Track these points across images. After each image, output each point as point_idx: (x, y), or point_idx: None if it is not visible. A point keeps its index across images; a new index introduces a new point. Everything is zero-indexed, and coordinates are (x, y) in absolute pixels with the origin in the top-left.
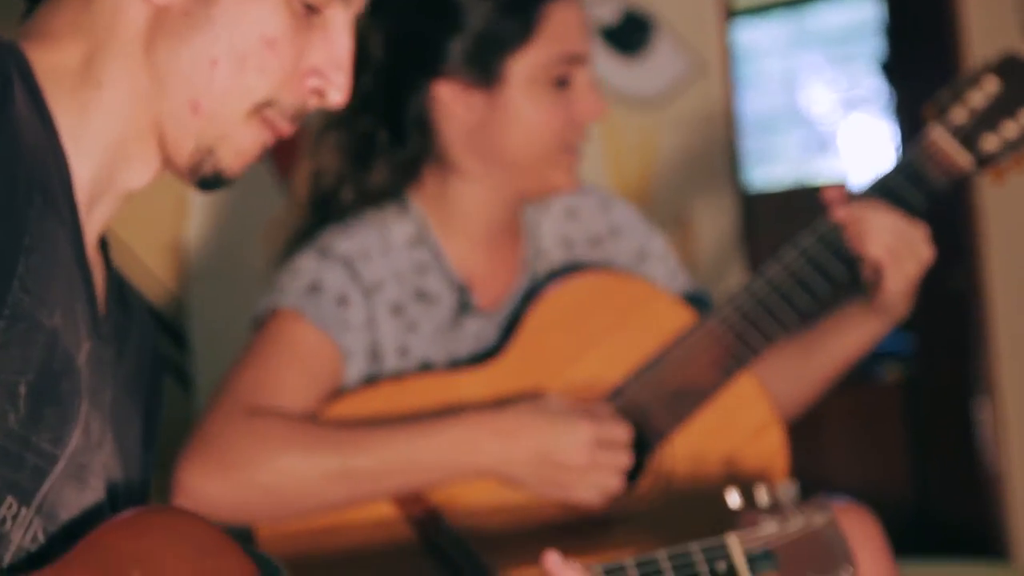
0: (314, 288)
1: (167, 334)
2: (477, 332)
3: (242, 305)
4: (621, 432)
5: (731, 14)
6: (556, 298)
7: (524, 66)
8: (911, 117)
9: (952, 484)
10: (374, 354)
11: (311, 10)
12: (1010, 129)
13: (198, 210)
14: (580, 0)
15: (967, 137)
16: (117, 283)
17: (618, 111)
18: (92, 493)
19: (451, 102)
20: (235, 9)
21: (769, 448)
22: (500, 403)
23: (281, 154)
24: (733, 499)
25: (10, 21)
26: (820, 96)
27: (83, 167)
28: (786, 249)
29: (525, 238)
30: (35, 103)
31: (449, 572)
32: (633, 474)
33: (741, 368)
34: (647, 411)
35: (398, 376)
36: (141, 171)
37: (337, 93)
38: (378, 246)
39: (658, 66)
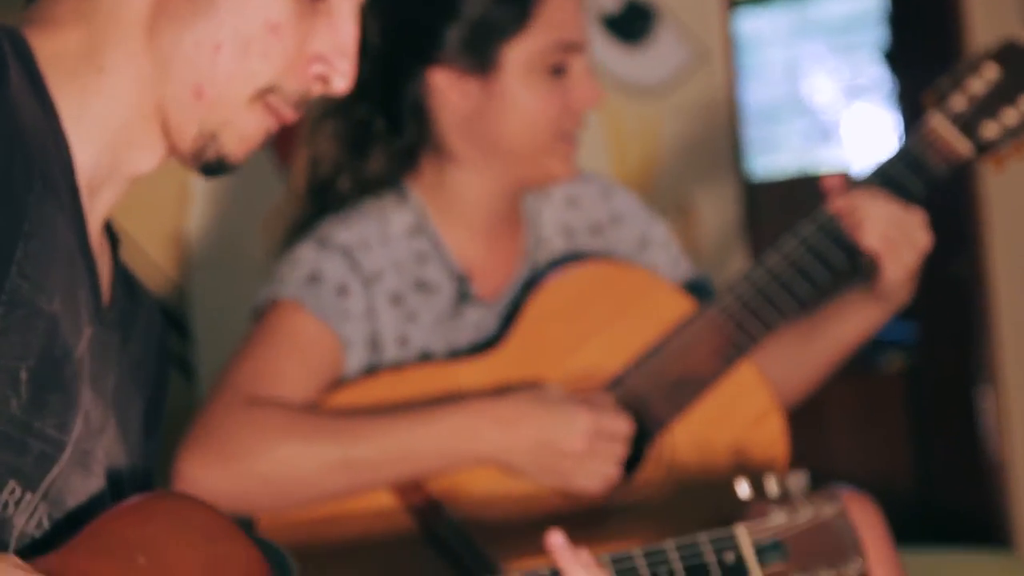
0: (314, 278)
1: (169, 323)
2: (477, 322)
3: (244, 294)
4: (621, 422)
5: (733, 3)
6: (556, 287)
7: (520, 53)
8: (914, 106)
9: (955, 473)
10: (374, 344)
11: None
12: (1010, 116)
13: (200, 199)
14: None
15: (966, 124)
16: (123, 270)
17: (620, 100)
18: (96, 480)
19: (447, 89)
20: None
21: (769, 436)
22: (500, 392)
23: (282, 143)
24: (743, 489)
25: (13, 8)
26: (823, 85)
27: (85, 152)
28: (786, 238)
29: (526, 227)
30: (35, 88)
31: (450, 562)
32: (633, 463)
33: (741, 356)
34: (647, 400)
35: (398, 366)
36: (146, 156)
37: (341, 80)
38: (377, 236)
39: (660, 55)
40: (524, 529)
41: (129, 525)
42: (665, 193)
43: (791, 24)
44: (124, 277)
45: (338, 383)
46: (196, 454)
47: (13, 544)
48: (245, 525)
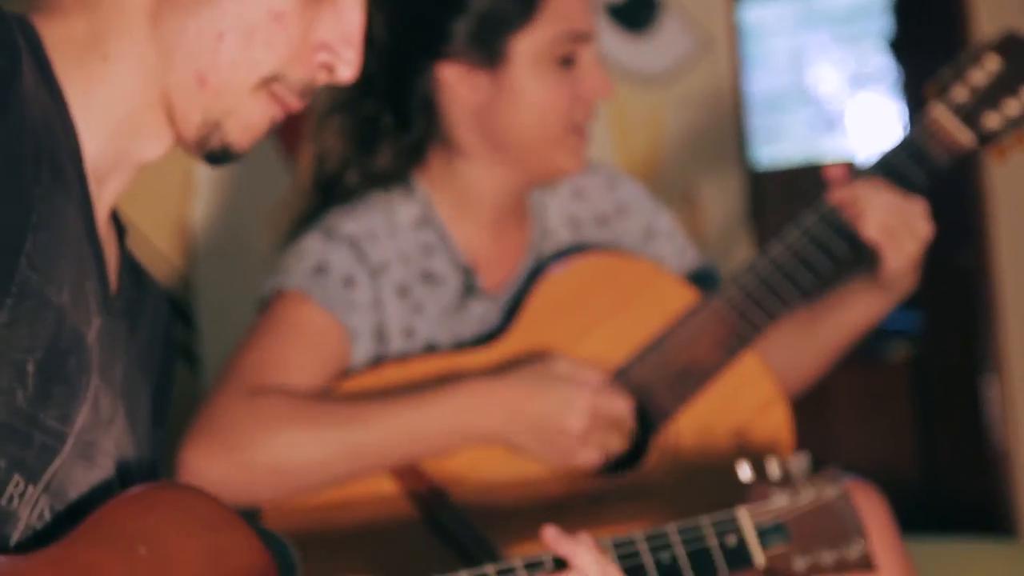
0: (320, 269)
1: (174, 312)
2: (482, 314)
3: (249, 284)
4: (622, 405)
5: None
6: (560, 279)
7: (528, 45)
8: (918, 95)
9: (959, 462)
10: (380, 335)
11: None
12: (1011, 107)
13: (205, 188)
14: None
15: (968, 115)
16: (129, 259)
17: (624, 89)
18: (100, 471)
19: (456, 84)
20: None
21: (774, 425)
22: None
23: (288, 133)
24: (744, 472)
25: None
26: (827, 75)
27: (92, 141)
28: (789, 228)
29: (531, 219)
30: (44, 76)
31: (452, 548)
32: (639, 454)
33: (745, 347)
34: (651, 391)
35: (403, 357)
36: (153, 144)
37: (347, 68)
38: (384, 227)
39: (665, 44)
40: (526, 515)
41: (130, 515)
42: (669, 182)
43: (796, 13)
44: (131, 266)
45: (344, 374)
46: (200, 444)
47: (17, 537)
48: (248, 515)
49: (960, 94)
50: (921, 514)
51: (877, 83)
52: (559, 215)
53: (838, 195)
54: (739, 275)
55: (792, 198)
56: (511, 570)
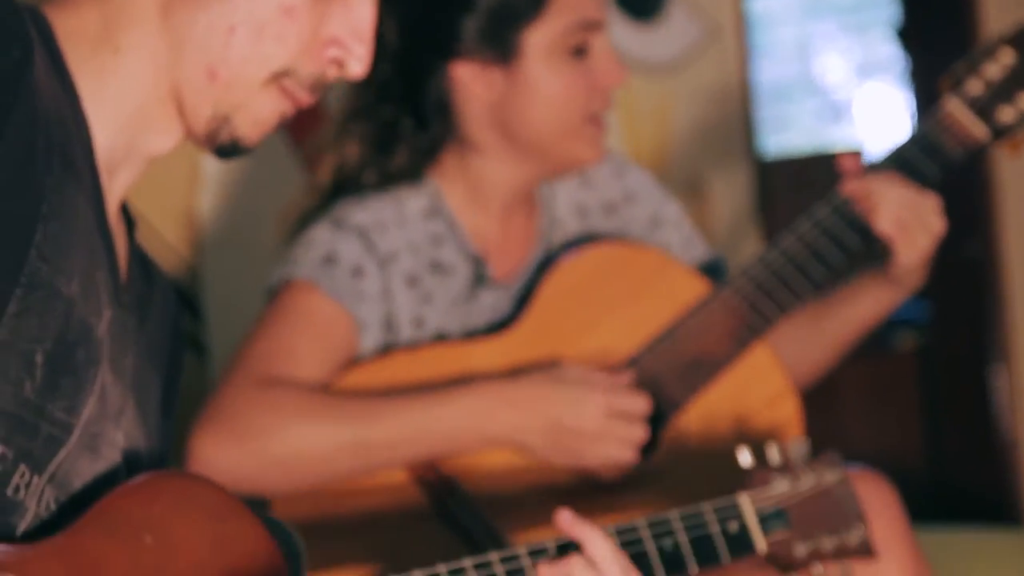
0: (329, 259)
1: (181, 303)
2: (493, 304)
3: (256, 274)
4: (638, 404)
5: None
6: (571, 268)
7: (540, 38)
8: (926, 84)
9: (967, 452)
10: (389, 325)
11: None
12: None
13: (212, 179)
14: None
15: (983, 109)
16: (139, 251)
17: (632, 78)
18: (105, 463)
19: (470, 82)
20: None
21: (784, 417)
22: (515, 372)
23: (296, 124)
24: (744, 458)
25: None
26: (835, 64)
27: (103, 133)
28: (801, 220)
29: (540, 208)
30: (56, 68)
31: (462, 537)
32: (649, 444)
33: (755, 339)
34: (661, 381)
35: (412, 346)
36: (163, 137)
37: (357, 64)
38: (393, 217)
39: (672, 33)
40: (536, 504)
41: (135, 504)
42: (677, 172)
43: (803, 2)
44: (140, 258)
45: (352, 364)
46: (210, 433)
47: (24, 527)
48: (257, 502)
49: (975, 88)
50: (928, 504)
51: (885, 72)
52: (567, 203)
53: (852, 187)
54: (750, 267)
55: (800, 188)
56: (515, 557)
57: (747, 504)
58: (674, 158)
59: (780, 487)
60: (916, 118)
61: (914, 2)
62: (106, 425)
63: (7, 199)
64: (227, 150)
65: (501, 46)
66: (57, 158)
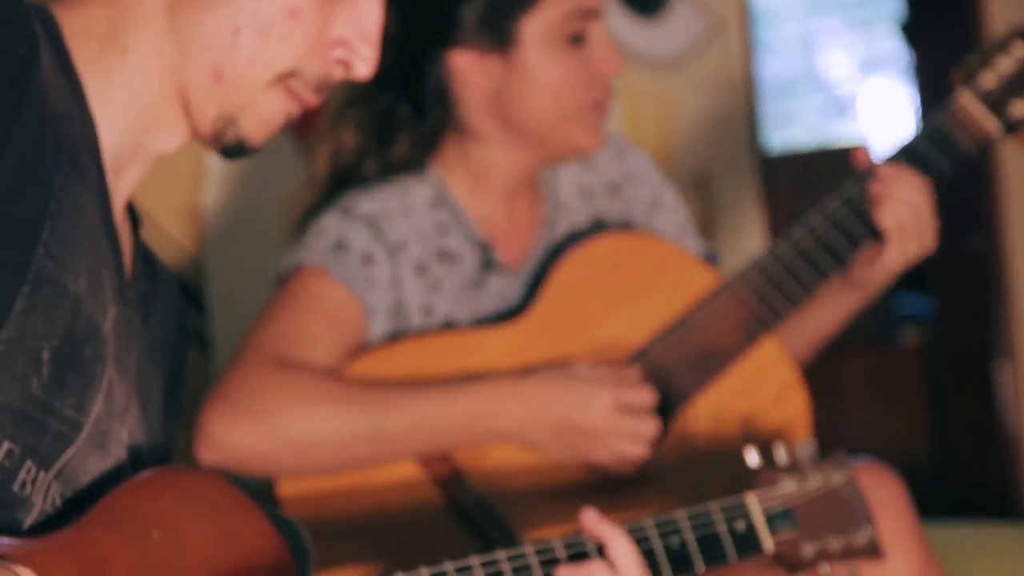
0: (339, 246)
1: (185, 297)
2: (501, 290)
3: (260, 268)
4: (645, 397)
5: None
6: (580, 258)
7: (538, 26)
8: (931, 80)
9: (971, 447)
10: (398, 313)
11: None
12: None
13: (216, 174)
14: None
15: (995, 103)
16: (143, 249)
17: (636, 73)
18: (111, 460)
19: (468, 70)
20: None
21: (793, 410)
22: (525, 365)
23: (300, 120)
24: (752, 458)
25: None
26: (838, 59)
27: (110, 132)
28: (811, 213)
29: (544, 193)
30: (63, 66)
31: (473, 533)
32: (657, 436)
33: (765, 331)
34: (670, 373)
35: (421, 333)
36: (169, 137)
37: (363, 65)
38: (400, 207)
39: (676, 28)
40: (546, 501)
41: (142, 499)
42: (682, 167)
43: None
44: (144, 256)
45: (361, 350)
46: (223, 412)
47: (30, 523)
48: (264, 497)
49: (987, 81)
50: (933, 499)
51: (889, 68)
52: (571, 187)
53: (880, 168)
54: (760, 259)
55: (804, 183)
56: (522, 555)
57: (754, 504)
58: (678, 153)
59: (787, 487)
60: (920, 113)
61: None
62: (113, 423)
63: (15, 197)
64: (233, 150)
65: (499, 34)
66: (64, 156)
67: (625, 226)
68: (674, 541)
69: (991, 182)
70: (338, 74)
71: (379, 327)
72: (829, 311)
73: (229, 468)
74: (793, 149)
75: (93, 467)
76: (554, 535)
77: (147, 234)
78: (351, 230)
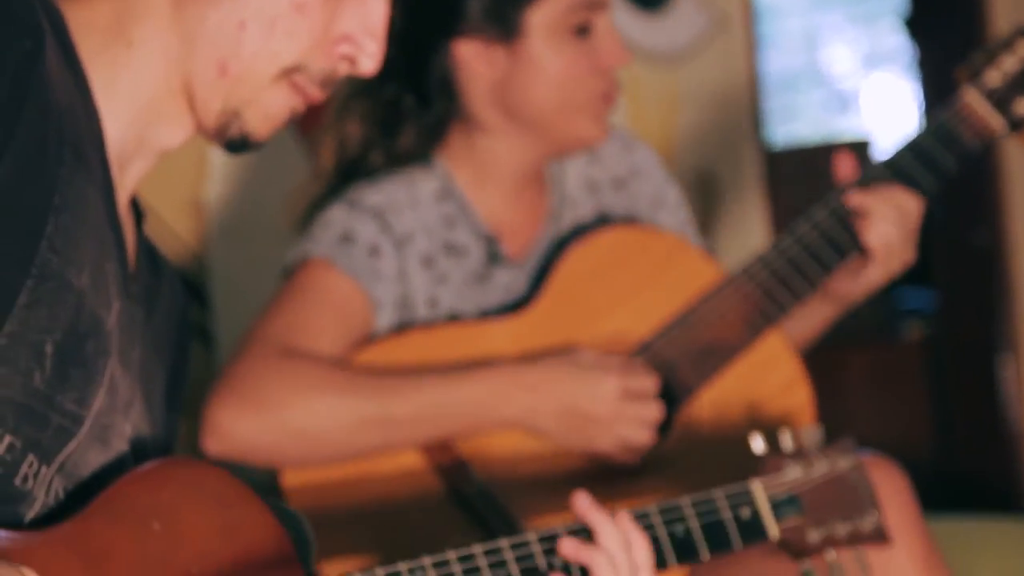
0: (346, 238)
1: (188, 292)
2: (507, 283)
3: (263, 263)
4: (649, 384)
5: None
6: (585, 252)
7: (543, 16)
8: (934, 75)
9: (975, 440)
10: (404, 305)
11: None
12: None
13: (219, 168)
14: None
15: (1000, 100)
16: (147, 244)
17: (639, 68)
18: (114, 454)
19: (473, 60)
20: None
21: (797, 404)
22: (529, 355)
23: (304, 115)
24: (757, 444)
25: None
26: (841, 55)
27: (115, 125)
28: (816, 208)
29: (550, 185)
30: (68, 59)
31: (477, 523)
32: (661, 429)
33: (769, 326)
34: (674, 367)
35: (427, 324)
36: (174, 131)
37: (369, 61)
38: (407, 199)
39: (679, 23)
40: (550, 489)
41: (143, 491)
42: (685, 162)
43: None
44: (148, 250)
45: (367, 342)
46: (228, 403)
47: (32, 516)
48: (268, 488)
49: (993, 79)
50: (936, 492)
51: (892, 63)
52: (577, 180)
53: (854, 201)
54: (765, 253)
55: (807, 178)
56: (525, 543)
57: (759, 490)
58: (681, 148)
59: (793, 473)
60: (924, 109)
61: None
62: (116, 417)
63: (19, 190)
64: (237, 145)
65: (504, 24)
66: (69, 150)
67: (630, 220)
68: (678, 529)
69: (994, 177)
70: (343, 70)
71: (385, 319)
72: (805, 322)
73: (235, 459)
74: (796, 144)
75: (95, 461)
76: (558, 523)
77: (150, 229)
78: (358, 222)
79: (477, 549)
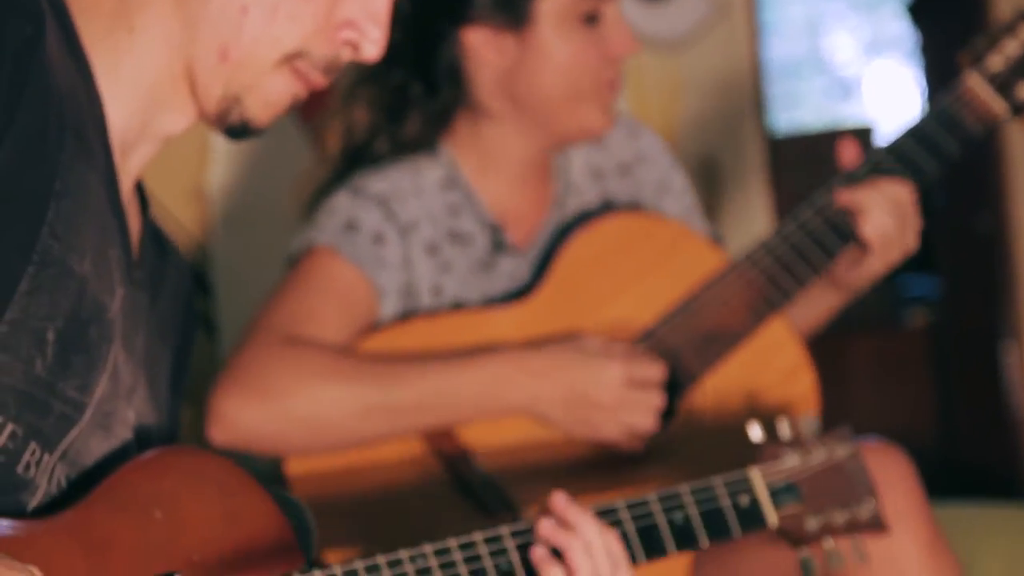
0: (350, 226)
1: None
2: (511, 271)
3: (266, 251)
4: (655, 371)
5: None
6: (589, 238)
7: (553, 4)
8: (936, 61)
9: (978, 427)
10: (408, 293)
11: None
12: None
13: (221, 156)
14: None
15: (1003, 85)
16: (153, 229)
17: (641, 54)
18: (117, 441)
19: (482, 48)
20: None
21: (801, 390)
22: (533, 342)
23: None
24: (755, 432)
25: None
26: (844, 41)
27: (118, 111)
28: (818, 193)
29: (555, 172)
30: (70, 45)
31: (480, 512)
32: (665, 417)
33: (773, 312)
34: (678, 354)
35: (431, 312)
36: (177, 117)
37: (372, 47)
38: (411, 187)
39: (682, 9)
40: (550, 477)
41: (145, 479)
42: (687, 149)
43: None
44: (153, 236)
45: (371, 330)
46: (232, 392)
47: (35, 504)
48: (272, 476)
49: (995, 63)
50: (939, 479)
51: (894, 49)
52: (582, 167)
53: (844, 198)
54: (768, 239)
55: (810, 164)
56: (527, 530)
57: (758, 478)
58: (684, 135)
59: (790, 461)
60: (927, 95)
61: None
62: (118, 403)
63: (20, 177)
64: (237, 131)
65: (514, 12)
66: (70, 135)
67: (634, 207)
68: (678, 516)
69: (997, 162)
70: (346, 56)
71: (389, 307)
72: (811, 309)
73: (241, 448)
74: (799, 131)
75: (98, 448)
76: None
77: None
78: (362, 210)
79: (477, 536)
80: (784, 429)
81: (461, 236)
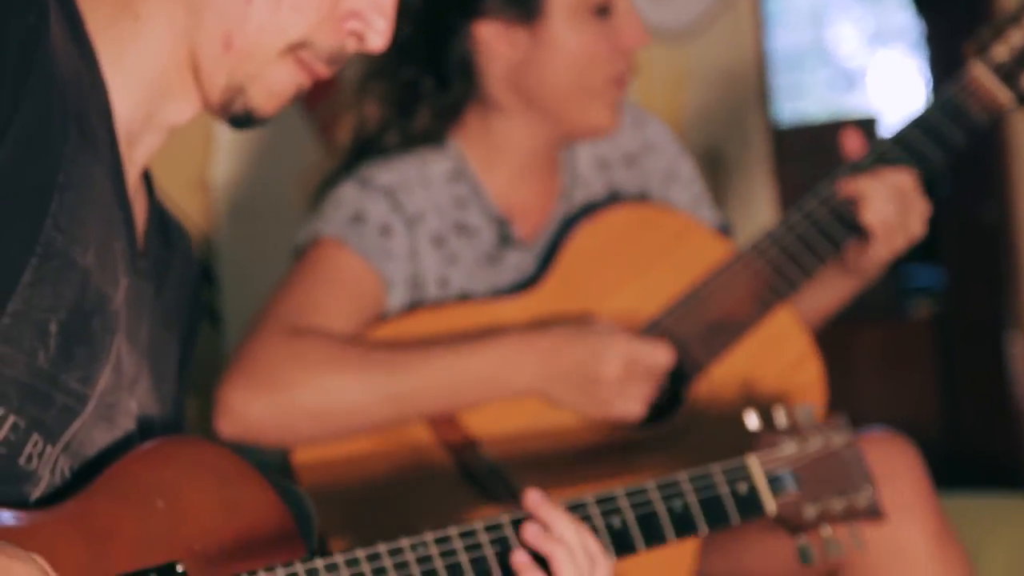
0: (357, 218)
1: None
2: (517, 264)
3: (271, 242)
4: (662, 352)
5: None
6: (594, 229)
7: None
8: (941, 52)
9: (983, 418)
10: (415, 285)
11: None
12: None
13: (226, 147)
14: None
15: (1008, 74)
16: (159, 218)
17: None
18: (120, 432)
19: (494, 42)
20: None
21: (807, 379)
22: (541, 325)
23: (311, 92)
24: (751, 420)
25: None
26: (848, 32)
27: (123, 101)
28: (823, 183)
29: (562, 165)
30: (75, 34)
31: (485, 501)
32: (672, 405)
33: (779, 302)
34: (684, 343)
35: (437, 303)
36: (182, 107)
37: (377, 37)
38: (418, 178)
39: (687, 0)
40: (556, 465)
41: (147, 469)
42: (692, 139)
43: None
44: (159, 223)
45: (378, 321)
46: (240, 384)
47: (38, 495)
48: (278, 467)
49: (1000, 53)
50: (944, 470)
51: (899, 40)
52: (588, 158)
53: (846, 188)
54: (774, 229)
55: (814, 155)
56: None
57: (755, 465)
58: (688, 125)
59: (788, 449)
60: (931, 86)
61: None
62: (121, 395)
63: (23, 168)
64: (241, 120)
65: (525, 5)
66: (74, 126)
67: (640, 197)
68: (677, 504)
69: (1002, 153)
70: (351, 46)
71: (396, 298)
72: (826, 295)
73: (249, 440)
74: (803, 122)
75: (100, 439)
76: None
77: None
78: (369, 201)
79: (479, 525)
80: (780, 418)
81: (467, 229)
